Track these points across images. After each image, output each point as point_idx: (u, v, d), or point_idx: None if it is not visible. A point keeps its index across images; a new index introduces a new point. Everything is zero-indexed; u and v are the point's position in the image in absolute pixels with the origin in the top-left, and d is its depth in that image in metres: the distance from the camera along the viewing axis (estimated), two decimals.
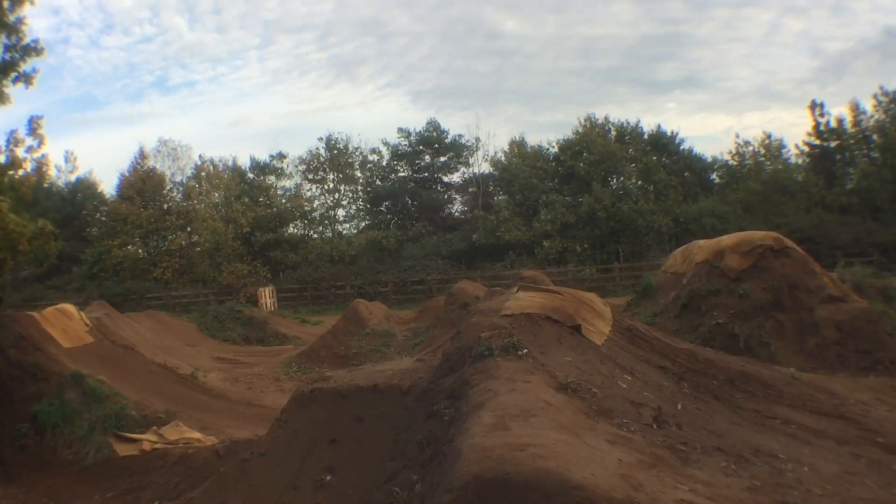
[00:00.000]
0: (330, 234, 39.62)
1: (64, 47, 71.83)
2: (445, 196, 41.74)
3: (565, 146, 36.85)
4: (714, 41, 68.99)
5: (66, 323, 11.62)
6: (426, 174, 41.14)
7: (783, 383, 6.37)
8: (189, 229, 36.18)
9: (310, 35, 79.84)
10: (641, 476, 3.19)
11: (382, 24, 76.48)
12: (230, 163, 41.45)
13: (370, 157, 41.62)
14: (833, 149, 36.26)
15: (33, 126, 12.31)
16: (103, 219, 37.41)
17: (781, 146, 38.34)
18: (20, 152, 12.13)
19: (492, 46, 72.55)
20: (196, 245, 36.20)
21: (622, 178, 35.68)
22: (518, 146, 40.04)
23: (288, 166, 41.27)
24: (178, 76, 78.60)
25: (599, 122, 38.62)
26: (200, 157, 39.84)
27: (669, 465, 3.62)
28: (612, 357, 5.72)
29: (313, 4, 79.06)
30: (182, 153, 38.88)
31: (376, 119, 71.39)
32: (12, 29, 11.65)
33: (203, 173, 38.51)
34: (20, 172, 12.10)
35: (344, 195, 41.33)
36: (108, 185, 46.78)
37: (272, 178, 41.25)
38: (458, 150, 41.03)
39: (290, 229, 39.00)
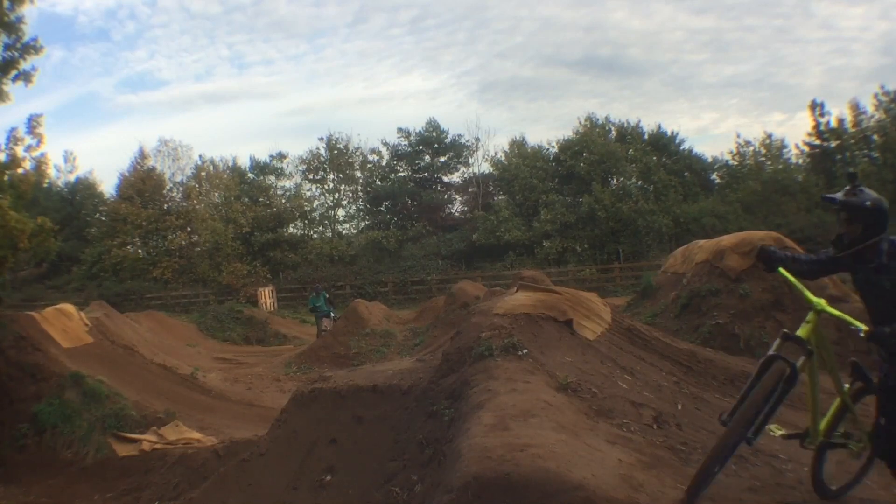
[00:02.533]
0: (330, 234, 39.62)
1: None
2: (445, 196, 41.73)
3: (565, 146, 36.85)
4: None
5: (65, 323, 11.62)
6: (426, 174, 41.12)
7: None
8: (189, 229, 36.18)
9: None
10: (641, 476, 3.19)
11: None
12: (230, 163, 41.54)
13: (370, 157, 41.68)
14: (833, 149, 36.25)
15: (32, 125, 12.34)
16: (103, 219, 37.41)
17: (782, 146, 38.37)
18: (20, 151, 12.17)
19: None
20: (196, 245, 36.21)
21: (622, 178, 35.68)
22: (518, 146, 40.07)
23: (288, 166, 41.34)
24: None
25: (600, 121, 38.67)
26: (200, 157, 39.93)
27: (669, 465, 3.62)
28: (612, 357, 5.71)
29: None
30: (182, 153, 38.93)
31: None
32: (12, 28, 11.67)
33: (203, 173, 38.52)
34: (20, 171, 12.12)
35: (344, 195, 41.36)
36: (108, 185, 46.83)
37: (272, 178, 41.29)
38: (457, 150, 41.02)
39: (290, 229, 39.00)
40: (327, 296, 20.23)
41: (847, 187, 3.51)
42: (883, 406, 3.57)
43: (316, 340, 18.23)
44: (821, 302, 3.45)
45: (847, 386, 3.77)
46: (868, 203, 3.40)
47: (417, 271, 33.53)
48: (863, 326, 3.22)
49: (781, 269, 3.61)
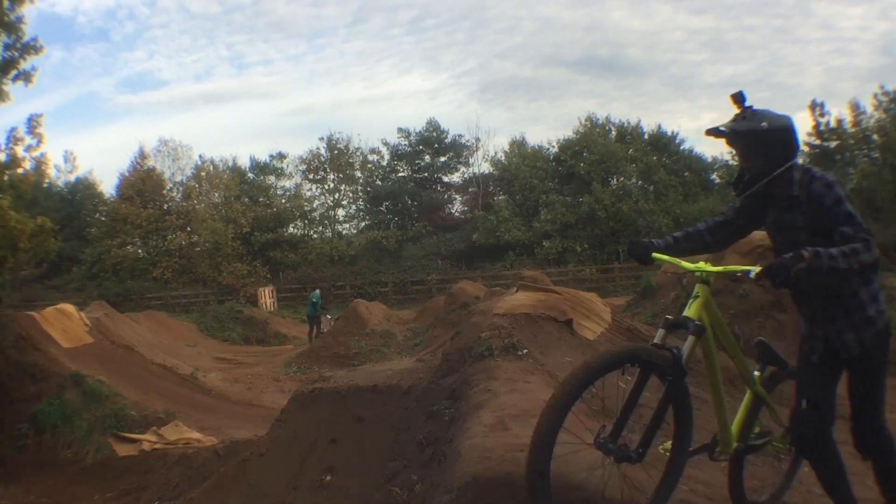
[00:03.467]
0: (330, 234, 39.64)
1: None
2: (445, 196, 41.76)
3: (565, 146, 36.88)
4: None
5: (65, 323, 11.62)
6: (426, 174, 41.16)
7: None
8: (189, 229, 36.20)
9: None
10: (642, 476, 3.19)
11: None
12: (230, 163, 41.56)
13: (370, 157, 41.71)
14: (833, 149, 36.27)
15: (32, 125, 12.37)
16: (103, 219, 37.43)
17: None
18: (20, 151, 12.20)
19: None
20: (196, 245, 36.23)
21: (622, 178, 35.72)
22: (518, 146, 40.10)
23: (288, 166, 41.38)
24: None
25: (600, 121, 38.69)
26: (200, 157, 39.96)
27: None
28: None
29: None
30: (182, 153, 38.96)
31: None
32: (12, 28, 11.69)
33: (203, 173, 38.54)
34: (20, 171, 12.15)
35: (344, 195, 41.38)
36: (108, 185, 46.80)
37: (272, 178, 41.31)
38: (458, 150, 41.06)
39: (290, 229, 39.03)
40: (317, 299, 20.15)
41: (736, 112, 2.82)
42: (802, 387, 2.97)
43: (315, 341, 18.21)
44: (700, 265, 2.81)
45: (756, 373, 3.29)
46: (764, 125, 2.73)
47: (417, 271, 33.55)
48: (753, 267, 2.57)
49: (655, 255, 3.02)
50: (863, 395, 2.89)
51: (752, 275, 2.53)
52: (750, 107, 2.79)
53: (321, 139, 40.81)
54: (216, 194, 38.06)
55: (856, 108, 35.48)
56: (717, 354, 2.98)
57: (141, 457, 8.55)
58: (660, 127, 38.92)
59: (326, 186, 40.86)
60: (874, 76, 67.13)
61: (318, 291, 20.09)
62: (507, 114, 67.23)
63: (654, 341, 2.70)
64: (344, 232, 40.70)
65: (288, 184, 41.33)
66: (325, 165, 40.47)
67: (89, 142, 70.01)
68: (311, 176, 40.81)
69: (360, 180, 41.39)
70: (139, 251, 36.65)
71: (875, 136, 34.72)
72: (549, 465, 2.48)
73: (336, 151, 40.25)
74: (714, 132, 2.82)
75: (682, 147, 39.05)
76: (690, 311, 2.70)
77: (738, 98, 2.79)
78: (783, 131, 2.77)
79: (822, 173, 2.77)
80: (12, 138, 12.22)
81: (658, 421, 2.72)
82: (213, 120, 73.43)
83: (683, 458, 2.82)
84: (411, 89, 73.01)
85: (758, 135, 2.74)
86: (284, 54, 78.73)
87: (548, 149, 38.72)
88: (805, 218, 2.78)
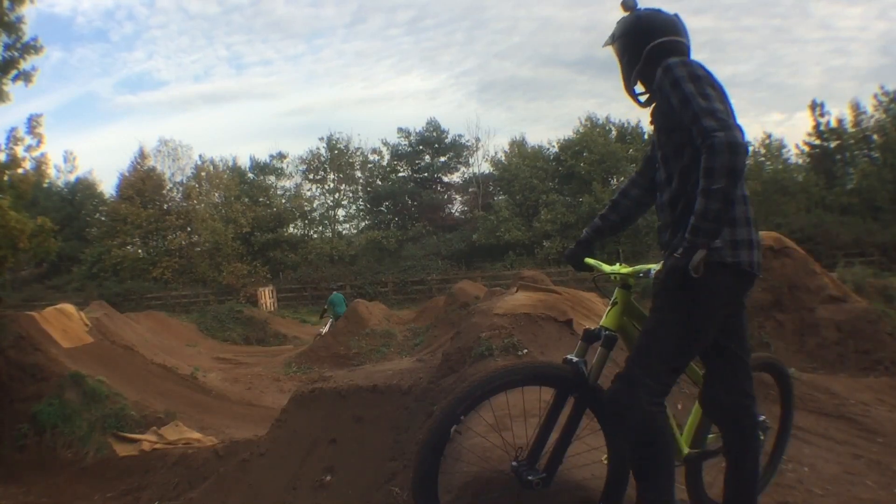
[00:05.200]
0: (330, 234, 39.64)
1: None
2: (445, 196, 41.79)
3: (565, 146, 36.91)
4: None
5: (65, 323, 11.61)
6: (426, 174, 41.18)
7: None
8: (189, 229, 36.19)
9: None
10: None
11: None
12: (230, 163, 41.59)
13: (371, 157, 41.73)
14: (833, 149, 36.29)
15: (32, 125, 12.37)
16: (103, 219, 37.43)
17: (782, 146, 38.43)
18: (20, 151, 12.20)
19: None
20: (196, 245, 36.22)
21: (622, 178, 35.70)
22: (518, 146, 40.12)
23: (288, 166, 41.41)
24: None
25: (600, 121, 38.72)
26: (200, 157, 39.98)
27: None
28: (612, 357, 5.70)
29: None
30: (182, 153, 38.96)
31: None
32: (12, 27, 11.69)
33: (203, 173, 38.54)
34: (20, 171, 12.15)
35: (344, 195, 41.39)
36: (108, 185, 46.87)
37: (272, 178, 41.33)
38: (458, 150, 41.08)
39: (290, 229, 39.05)
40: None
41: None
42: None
43: (316, 340, 18.20)
44: (616, 268, 2.56)
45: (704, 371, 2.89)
46: (611, 34, 2.48)
47: (417, 271, 33.55)
48: (654, 265, 2.27)
49: (587, 260, 2.83)
50: (644, 332, 2.40)
51: (653, 274, 2.25)
52: (636, 10, 2.45)
53: (321, 139, 40.96)
54: (216, 194, 38.07)
55: (856, 108, 35.52)
56: None
57: (141, 457, 8.54)
58: None
59: (326, 186, 40.89)
60: (873, 76, 67.25)
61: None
62: (506, 114, 67.37)
63: (570, 355, 2.44)
64: (344, 232, 40.74)
65: (288, 184, 41.45)
66: (325, 165, 40.50)
67: (89, 142, 70.21)
68: (311, 176, 40.86)
69: (361, 180, 41.44)
70: (139, 251, 36.64)
71: (875, 136, 34.75)
72: None
73: (336, 151, 40.28)
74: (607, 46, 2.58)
75: None
76: (606, 319, 2.49)
77: (627, 3, 2.46)
78: (624, 37, 2.44)
79: (669, 60, 2.27)
80: (12, 138, 12.22)
81: (564, 444, 2.42)
82: (213, 120, 73.60)
83: (623, 468, 2.53)
84: (411, 89, 73.15)
85: (620, 32, 2.46)
86: (283, 54, 78.81)
87: (548, 149, 38.83)
88: (658, 115, 2.43)
